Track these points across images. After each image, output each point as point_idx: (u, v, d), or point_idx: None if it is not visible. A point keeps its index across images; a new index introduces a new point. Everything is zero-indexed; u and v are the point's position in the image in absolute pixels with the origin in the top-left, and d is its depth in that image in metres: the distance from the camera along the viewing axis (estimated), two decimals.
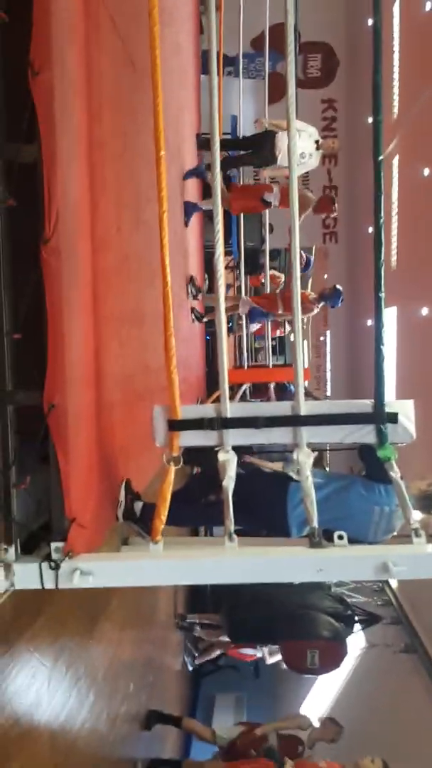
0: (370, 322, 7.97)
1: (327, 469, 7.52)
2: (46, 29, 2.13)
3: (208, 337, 8.80)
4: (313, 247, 10.75)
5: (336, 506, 2.60)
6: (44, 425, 2.10)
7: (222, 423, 2.33)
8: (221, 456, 2.31)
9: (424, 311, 5.26)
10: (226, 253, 8.75)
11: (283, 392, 7.63)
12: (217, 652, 6.65)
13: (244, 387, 7.41)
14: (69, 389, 2.10)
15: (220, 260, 2.30)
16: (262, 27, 7.58)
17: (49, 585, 2.05)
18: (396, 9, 6.37)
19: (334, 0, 9.44)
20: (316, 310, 6.65)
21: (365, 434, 2.29)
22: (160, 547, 2.14)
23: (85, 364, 2.31)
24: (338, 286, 6.38)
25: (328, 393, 10.44)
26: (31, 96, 2.13)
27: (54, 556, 2.06)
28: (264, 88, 7.86)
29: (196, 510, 2.93)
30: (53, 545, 2.07)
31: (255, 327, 7.83)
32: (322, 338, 13.80)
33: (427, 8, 5.22)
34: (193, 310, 6.90)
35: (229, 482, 2.26)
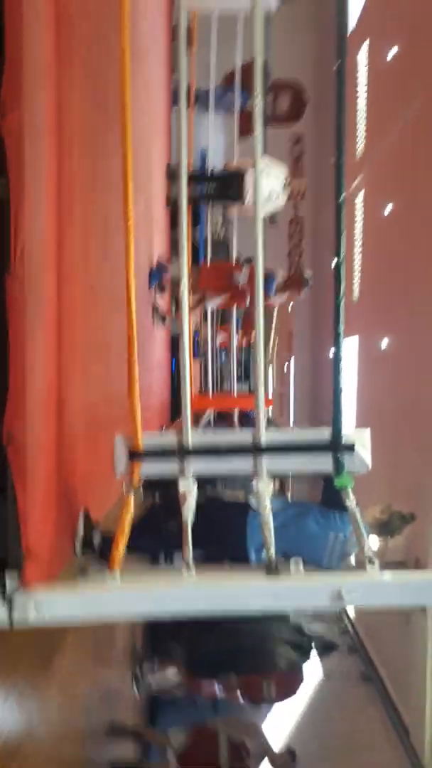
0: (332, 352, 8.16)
1: (289, 495, 7.58)
2: (17, 72, 2.19)
3: (174, 364, 8.85)
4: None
5: (293, 533, 2.66)
6: (2, 455, 2.11)
7: (183, 451, 2.37)
8: (182, 485, 2.34)
9: (384, 342, 5.43)
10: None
11: (247, 419, 7.70)
12: (173, 679, 6.48)
13: (207, 414, 7.46)
14: (29, 420, 2.12)
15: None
16: (232, 65, 7.82)
17: (3, 619, 2.01)
18: (362, 55, 6.69)
19: (304, 40, 9.81)
20: (283, 299, 6.53)
21: (323, 463, 2.35)
22: (117, 576, 2.15)
23: (47, 394, 2.33)
24: (305, 274, 6.37)
25: (291, 420, 10.57)
26: (0, 134, 2.19)
27: (8, 587, 2.04)
28: (233, 123, 8.08)
29: (155, 538, 2.94)
30: (7, 576, 2.05)
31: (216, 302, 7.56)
32: (286, 365, 14.00)
33: (389, 58, 5.51)
34: (155, 310, 6.77)
35: (188, 512, 2.29)
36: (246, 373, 11.66)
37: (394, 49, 5.54)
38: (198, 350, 10.12)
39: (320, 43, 9.69)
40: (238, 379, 9.38)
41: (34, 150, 2.25)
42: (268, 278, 6.29)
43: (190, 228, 8.41)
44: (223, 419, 7.95)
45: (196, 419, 6.98)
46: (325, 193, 9.12)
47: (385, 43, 5.80)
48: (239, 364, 9.90)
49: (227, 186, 6.54)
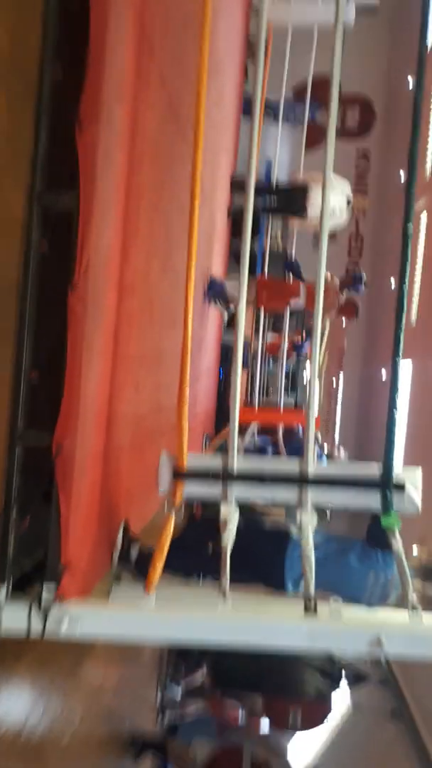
0: (384, 373, 7.98)
1: (328, 515, 7.43)
2: (97, 88, 2.23)
3: (221, 372, 8.84)
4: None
5: (332, 567, 2.59)
6: (50, 466, 2.14)
7: (227, 476, 2.35)
8: (223, 510, 2.32)
9: None
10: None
11: (291, 434, 7.60)
12: (196, 706, 6.45)
13: (251, 427, 7.41)
14: (79, 433, 2.14)
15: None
16: (305, 75, 7.78)
17: (36, 633, 2.03)
18: None
19: (377, 55, 9.68)
20: (342, 300, 6.44)
21: (371, 500, 2.29)
22: (152, 600, 2.15)
23: (99, 408, 2.35)
24: (356, 272, 6.28)
25: (336, 440, 10.40)
26: (75, 148, 2.22)
27: (45, 600, 2.05)
28: (301, 136, 8.04)
29: (192, 560, 2.92)
30: (45, 588, 2.07)
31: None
32: (334, 380, 13.80)
33: None
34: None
35: (228, 539, 2.27)
36: (293, 384, 11.56)
37: None
38: (246, 358, 10.09)
39: (391, 59, 9.54)
40: (285, 389, 9.30)
41: (106, 165, 2.28)
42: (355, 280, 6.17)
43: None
44: (267, 431, 7.89)
45: (241, 430, 6.95)
46: (388, 210, 8.95)
47: None
48: (286, 375, 9.82)
49: (291, 199, 6.51)
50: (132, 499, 2.99)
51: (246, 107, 8.55)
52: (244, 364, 10.06)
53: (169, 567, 2.40)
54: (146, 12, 2.72)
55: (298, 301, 6.04)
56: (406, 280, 2.31)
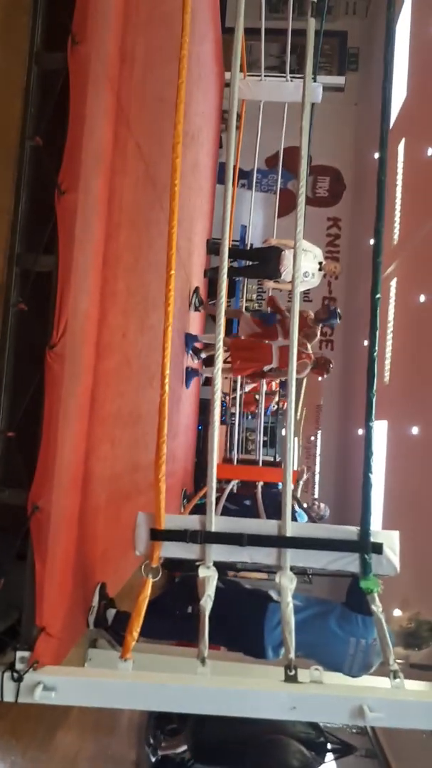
0: (361, 431, 8.05)
1: (310, 578, 7.33)
2: (76, 156, 2.32)
3: (200, 427, 8.82)
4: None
5: (313, 632, 2.53)
6: (26, 526, 2.09)
7: (205, 537, 2.31)
8: (202, 572, 2.27)
9: (414, 430, 5.34)
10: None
11: (270, 488, 7.56)
12: (183, 747, 6.07)
13: (232, 483, 7.37)
14: (55, 493, 2.11)
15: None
16: (277, 147, 8.20)
17: (9, 697, 1.96)
18: (401, 148, 6.95)
19: (344, 131, 10.27)
20: (317, 335, 6.53)
21: (349, 562, 2.27)
22: (129, 665, 2.06)
23: (75, 468, 2.32)
24: (331, 306, 6.38)
25: (316, 496, 10.35)
26: (54, 212, 2.29)
27: (18, 666, 1.98)
28: (274, 202, 8.38)
29: (169, 624, 2.83)
30: (18, 654, 1.99)
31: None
32: (312, 438, 13.85)
33: (429, 154, 5.71)
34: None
35: (207, 601, 2.21)
36: (272, 440, 11.57)
37: (431, 150, 5.76)
38: (225, 415, 10.12)
39: (358, 133, 10.13)
40: (264, 444, 9.30)
41: (84, 230, 2.35)
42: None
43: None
44: (247, 486, 7.84)
45: (219, 488, 6.92)
46: (358, 274, 9.29)
47: (423, 140, 6.04)
48: (265, 430, 9.87)
49: (265, 263, 6.74)
50: (108, 560, 2.91)
51: (221, 175, 8.93)
52: (223, 420, 10.09)
53: (147, 632, 2.32)
54: (123, 87, 2.87)
55: (272, 366, 6.20)
56: (376, 348, 2.38)
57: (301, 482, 8.00)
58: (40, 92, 2.43)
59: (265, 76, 7.91)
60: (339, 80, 9.66)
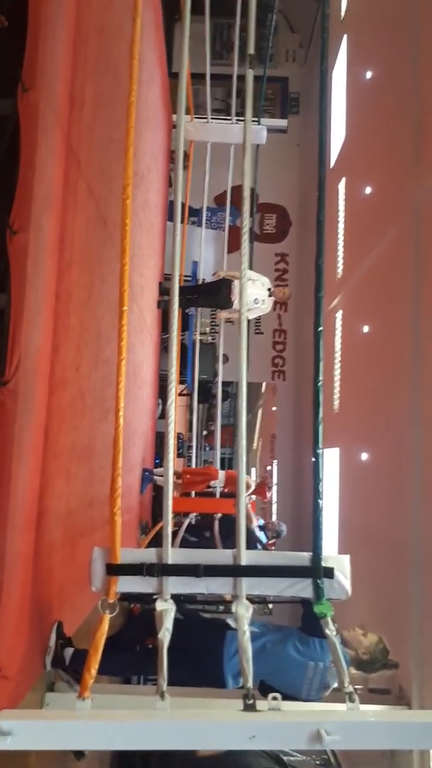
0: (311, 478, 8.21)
1: (270, 607, 7.33)
2: (27, 197, 2.38)
3: (157, 461, 8.80)
4: (263, 384, 11.21)
5: (271, 658, 2.55)
6: None
7: (161, 570, 2.32)
8: (159, 605, 2.27)
9: (364, 456, 5.49)
10: (180, 382, 9.07)
11: (228, 520, 7.58)
12: None
13: (191, 515, 7.36)
14: (9, 532, 2.09)
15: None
16: (225, 186, 8.47)
17: None
18: (341, 186, 7.28)
19: (289, 170, 10.69)
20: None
21: (303, 588, 2.31)
22: (87, 704, 2.03)
23: (29, 505, 2.31)
24: (278, 525, 6.73)
25: (274, 518, 10.40)
26: (6, 252, 2.33)
27: None
28: (224, 239, 8.61)
29: (128, 659, 2.81)
30: None
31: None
32: (269, 468, 13.94)
33: (367, 192, 6.02)
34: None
35: (165, 634, 2.21)
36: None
37: (369, 188, 6.08)
38: (182, 448, 10.11)
39: (302, 173, 10.58)
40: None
41: (36, 269, 2.39)
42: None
43: (179, 338, 8.71)
44: (206, 517, 7.83)
45: (178, 521, 6.93)
46: (307, 307, 9.58)
47: (361, 180, 6.37)
48: (222, 462, 9.91)
49: (216, 293, 6.91)
50: (65, 598, 2.87)
51: (171, 213, 9.13)
52: (180, 453, 10.07)
53: (105, 669, 2.30)
54: (73, 129, 2.96)
55: (218, 481, 6.79)
56: (320, 378, 2.48)
57: (268, 494, 8.17)
58: None
59: (211, 118, 8.20)
60: (282, 123, 10.10)
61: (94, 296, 3.50)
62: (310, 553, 2.31)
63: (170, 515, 2.44)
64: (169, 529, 2.40)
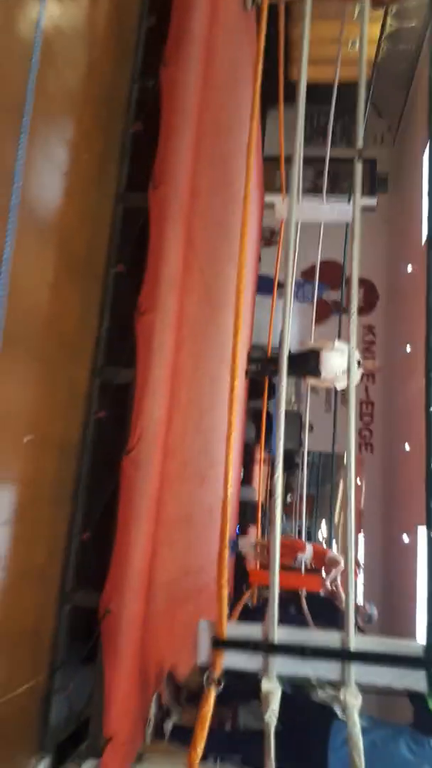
0: (406, 538, 7.82)
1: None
2: (155, 280, 2.59)
3: (238, 532, 8.71)
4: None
5: (381, 757, 2.41)
6: (97, 629, 2.13)
7: (267, 648, 2.29)
8: (265, 685, 2.23)
9: None
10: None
11: (315, 600, 7.28)
12: None
13: None
14: (127, 597, 2.16)
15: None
16: (312, 261, 8.71)
17: None
18: None
19: (376, 246, 10.86)
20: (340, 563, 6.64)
21: (415, 680, 2.21)
22: None
23: (143, 571, 2.38)
24: (371, 610, 6.40)
25: (361, 598, 9.89)
26: (134, 330, 2.52)
27: None
28: (310, 311, 8.79)
29: (221, 738, 2.73)
30: (87, 765, 1.97)
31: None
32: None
33: None
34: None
35: (271, 717, 2.16)
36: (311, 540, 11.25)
37: None
38: (265, 517, 9.97)
39: (390, 248, 10.70)
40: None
41: (160, 346, 2.57)
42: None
43: (265, 403, 8.85)
44: (289, 593, 7.60)
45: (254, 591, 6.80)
46: (395, 378, 9.43)
47: None
48: (300, 534, 9.68)
49: (305, 361, 7.00)
50: (163, 665, 2.87)
51: (260, 286, 9.44)
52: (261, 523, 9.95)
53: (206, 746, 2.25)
54: (191, 218, 3.21)
55: (305, 555, 6.60)
56: None
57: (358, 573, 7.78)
58: (123, 226, 2.75)
59: (302, 198, 8.57)
60: (371, 201, 10.35)
61: (198, 369, 3.67)
62: (423, 643, 2.22)
63: (277, 590, 2.43)
64: (276, 606, 2.39)
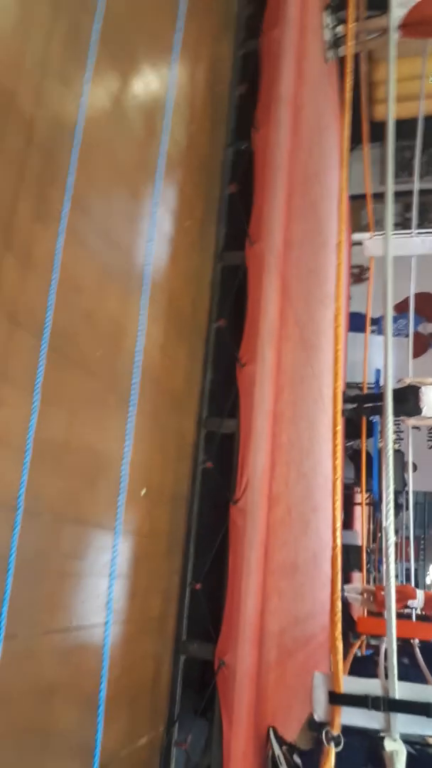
0: None
1: None
2: (255, 333, 2.67)
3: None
4: None
5: None
6: (212, 682, 2.15)
7: (389, 705, 2.21)
8: (388, 745, 2.15)
9: None
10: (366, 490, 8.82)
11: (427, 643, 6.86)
12: None
13: (383, 639, 6.85)
14: (240, 649, 2.17)
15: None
16: (404, 294, 8.55)
17: None
18: None
19: None
20: None
21: None
22: None
23: (255, 622, 2.39)
24: None
25: None
26: (236, 382, 2.60)
27: None
28: (406, 345, 8.58)
29: None
30: None
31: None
32: None
33: None
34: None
35: None
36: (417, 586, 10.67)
37: None
38: (370, 562, 9.59)
39: None
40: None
41: (262, 396, 2.62)
42: None
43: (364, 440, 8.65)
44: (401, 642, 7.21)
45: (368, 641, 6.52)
46: None
47: None
48: (408, 573, 9.22)
49: (404, 400, 6.80)
50: (277, 722, 2.82)
51: (352, 324, 9.37)
52: (368, 569, 9.56)
53: None
54: (286, 269, 3.30)
55: (416, 602, 6.31)
56: None
57: None
58: (223, 283, 2.87)
59: (391, 233, 8.48)
60: None
61: (296, 413, 3.68)
62: None
63: (395, 641, 2.35)
64: (395, 659, 2.31)
